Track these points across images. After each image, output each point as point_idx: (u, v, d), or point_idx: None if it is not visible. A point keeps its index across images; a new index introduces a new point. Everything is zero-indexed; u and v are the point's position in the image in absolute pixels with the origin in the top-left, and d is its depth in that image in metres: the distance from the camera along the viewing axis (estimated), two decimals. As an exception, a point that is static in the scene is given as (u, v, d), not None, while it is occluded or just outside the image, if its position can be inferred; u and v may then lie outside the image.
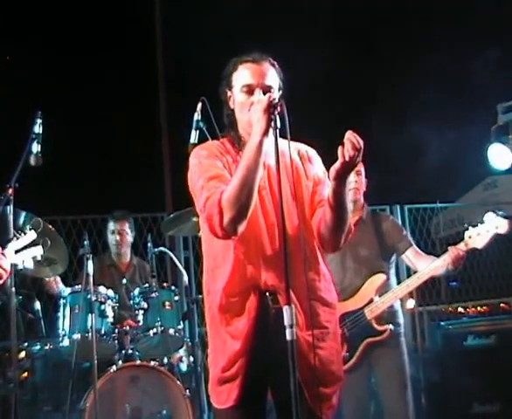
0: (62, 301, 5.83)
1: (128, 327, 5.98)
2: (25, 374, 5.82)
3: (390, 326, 5.07)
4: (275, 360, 3.16)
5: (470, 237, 4.92)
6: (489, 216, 4.89)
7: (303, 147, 3.57)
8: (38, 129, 5.01)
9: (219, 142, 3.53)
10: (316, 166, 3.55)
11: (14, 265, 4.48)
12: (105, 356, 5.74)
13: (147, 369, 5.70)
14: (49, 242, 4.92)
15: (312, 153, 3.58)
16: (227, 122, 3.52)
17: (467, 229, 4.95)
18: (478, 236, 4.90)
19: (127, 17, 14.89)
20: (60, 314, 5.81)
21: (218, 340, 3.36)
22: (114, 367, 5.60)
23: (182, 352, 6.25)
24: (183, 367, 6.27)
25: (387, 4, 13.17)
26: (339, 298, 4.99)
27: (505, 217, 4.88)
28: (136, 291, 6.02)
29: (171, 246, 7.62)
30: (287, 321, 2.91)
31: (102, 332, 5.72)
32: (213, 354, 3.41)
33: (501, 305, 8.74)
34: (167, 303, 5.93)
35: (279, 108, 3.06)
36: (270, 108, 3.06)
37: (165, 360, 6.06)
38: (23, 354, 5.82)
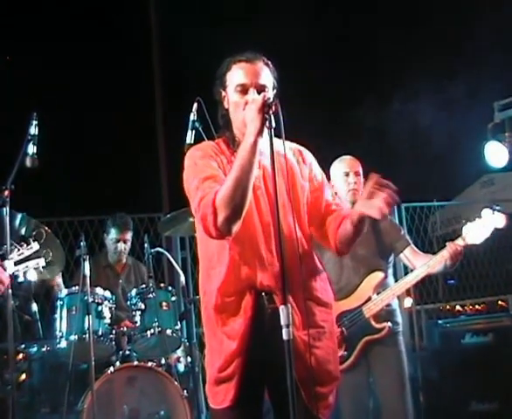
0: (59, 302, 5.81)
1: (125, 328, 5.99)
2: (23, 376, 5.80)
3: (389, 324, 5.06)
4: (272, 360, 3.15)
5: (468, 233, 4.92)
6: (486, 212, 4.89)
7: (297, 147, 3.57)
8: (33, 130, 5.00)
9: (214, 143, 3.52)
10: (313, 168, 3.55)
11: (15, 276, 4.47)
12: (102, 357, 5.74)
13: (144, 370, 5.70)
14: (51, 253, 4.93)
15: (306, 153, 3.59)
16: (222, 122, 3.52)
17: (465, 224, 4.95)
18: (475, 232, 4.89)
19: (122, 17, 14.87)
20: (57, 316, 5.79)
21: (215, 340, 3.36)
22: (112, 368, 5.60)
23: (179, 352, 6.25)
24: (181, 367, 6.27)
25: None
26: (337, 296, 5.03)
27: (502, 212, 4.88)
28: (133, 292, 6.02)
29: (168, 247, 7.62)
30: (283, 321, 2.91)
31: (99, 333, 5.71)
32: (210, 355, 3.41)
33: (499, 302, 8.74)
34: (164, 303, 5.93)
35: (273, 108, 3.06)
36: (264, 108, 3.06)
37: (163, 361, 6.04)
38: (20, 356, 5.80)
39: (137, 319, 5.88)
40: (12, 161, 4.97)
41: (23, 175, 4.95)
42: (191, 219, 5.46)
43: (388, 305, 5.11)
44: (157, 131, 13.00)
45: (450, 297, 10.28)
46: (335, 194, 5.00)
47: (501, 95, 8.51)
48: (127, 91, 14.53)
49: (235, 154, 3.27)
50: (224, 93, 3.45)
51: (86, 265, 5.52)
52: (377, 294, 5.09)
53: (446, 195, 11.74)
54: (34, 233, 4.95)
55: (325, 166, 3.63)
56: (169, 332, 5.85)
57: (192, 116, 4.87)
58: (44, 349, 5.85)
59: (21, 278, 4.51)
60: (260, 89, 3.32)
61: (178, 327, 5.98)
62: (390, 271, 5.36)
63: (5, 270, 4.46)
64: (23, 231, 5.47)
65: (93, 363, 5.30)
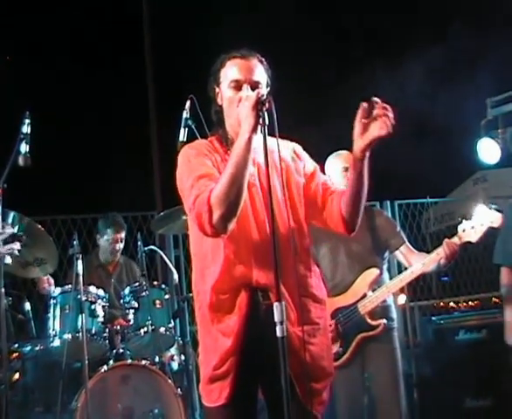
0: (52, 301, 5.80)
1: (118, 327, 5.99)
2: (16, 376, 5.79)
3: (384, 321, 5.06)
4: (267, 357, 3.15)
5: (464, 231, 4.89)
6: (482, 209, 4.86)
7: (291, 144, 3.56)
8: (26, 129, 5.00)
9: (207, 141, 3.51)
10: (306, 162, 3.55)
11: None
12: (96, 356, 5.73)
13: (138, 368, 5.69)
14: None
15: (300, 149, 3.58)
16: (215, 119, 3.51)
17: (461, 222, 4.93)
18: (472, 230, 4.87)
19: (114, 14, 14.86)
20: (51, 314, 5.78)
21: (209, 338, 3.35)
22: (105, 367, 5.59)
23: (173, 350, 6.25)
24: (175, 365, 6.27)
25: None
26: (332, 293, 5.04)
27: (498, 211, 4.87)
28: (127, 291, 6.01)
29: (161, 245, 7.62)
30: (277, 318, 2.90)
31: (93, 331, 5.70)
32: (204, 353, 3.40)
33: (493, 299, 8.73)
34: (157, 302, 5.93)
35: (267, 104, 3.04)
36: (258, 105, 3.05)
37: (156, 359, 6.05)
38: (13, 355, 5.79)
39: (131, 317, 5.88)
40: (5, 160, 4.96)
41: (16, 173, 4.94)
42: (184, 217, 5.45)
43: (383, 301, 5.10)
44: (150, 129, 12.99)
45: (444, 293, 10.28)
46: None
47: (494, 92, 8.52)
48: (120, 89, 14.52)
49: (229, 152, 3.26)
50: (217, 90, 3.45)
51: (80, 264, 5.51)
52: (373, 291, 5.08)
53: (439, 191, 11.76)
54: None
55: (315, 154, 3.61)
56: (162, 330, 5.85)
57: (185, 114, 4.86)
58: (37, 348, 5.84)
59: None
60: (254, 86, 3.32)
61: (172, 325, 5.98)
62: (386, 267, 5.36)
63: None
64: (15, 230, 5.46)
65: (87, 362, 5.29)
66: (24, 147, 4.94)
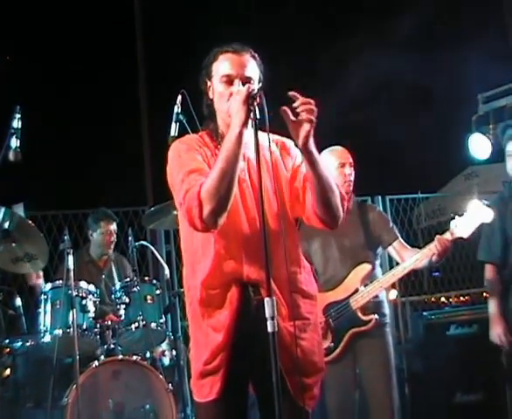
0: (43, 297, 5.78)
1: (109, 322, 5.97)
2: (7, 372, 5.78)
3: (376, 316, 5.06)
4: (258, 352, 3.15)
5: (456, 226, 4.89)
6: (474, 205, 4.87)
7: (281, 139, 3.55)
8: (16, 124, 4.97)
9: (198, 136, 3.50)
10: (295, 156, 3.53)
11: None
12: (87, 351, 5.72)
13: (129, 364, 5.68)
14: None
15: (290, 145, 3.57)
16: (206, 112, 3.50)
17: (453, 218, 4.92)
18: (464, 226, 4.86)
19: (106, 10, 14.82)
20: (41, 310, 5.76)
21: (200, 333, 3.34)
22: (96, 363, 5.59)
23: (164, 346, 6.25)
24: (166, 361, 6.27)
25: None
26: (324, 288, 5.04)
27: (489, 206, 4.88)
28: (118, 286, 6.01)
29: (153, 240, 7.61)
30: (268, 313, 2.90)
31: (84, 327, 5.69)
32: (195, 348, 3.40)
33: (483, 294, 8.76)
34: (148, 297, 5.92)
35: (258, 99, 3.04)
36: (249, 99, 3.04)
37: (147, 355, 6.04)
38: (4, 351, 5.78)
39: (122, 312, 5.86)
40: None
41: (6, 168, 4.92)
42: (175, 212, 5.44)
43: (375, 296, 5.10)
44: (141, 124, 12.99)
45: (435, 289, 10.32)
46: None
47: (485, 87, 8.54)
48: (111, 84, 14.48)
49: (219, 147, 3.26)
50: (209, 83, 3.43)
51: (70, 259, 5.50)
52: (365, 286, 5.08)
53: (430, 187, 11.78)
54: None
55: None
56: (153, 325, 5.84)
57: (176, 109, 4.85)
58: (28, 344, 5.83)
59: None
60: (246, 81, 3.30)
61: (163, 321, 5.98)
62: (378, 262, 5.36)
63: None
64: (6, 225, 5.45)
65: (78, 357, 5.29)
66: (14, 142, 4.92)
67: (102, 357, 5.74)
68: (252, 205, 3.30)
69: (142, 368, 5.68)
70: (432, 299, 10.18)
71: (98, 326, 5.83)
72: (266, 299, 2.92)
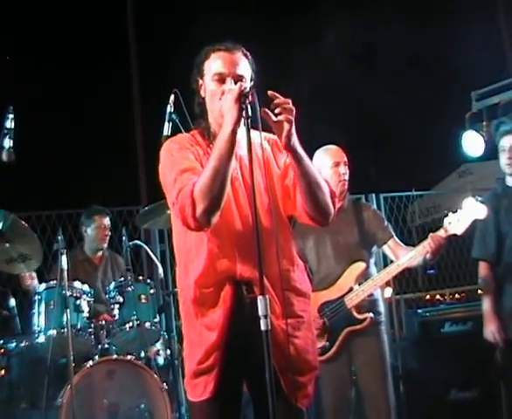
0: (37, 297, 5.78)
1: (103, 322, 5.96)
2: (1, 372, 5.78)
3: (371, 315, 5.06)
4: (251, 350, 3.15)
5: (450, 223, 4.89)
6: (468, 202, 4.87)
7: (273, 137, 3.54)
8: (9, 124, 4.96)
9: (190, 135, 3.50)
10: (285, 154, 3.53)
11: None
12: (81, 351, 5.71)
13: (123, 363, 5.68)
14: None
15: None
16: (198, 111, 3.49)
17: (447, 215, 4.93)
18: (458, 223, 4.86)
19: (98, 9, 14.81)
20: (35, 310, 5.75)
21: (194, 332, 3.34)
22: (91, 363, 5.58)
23: (158, 345, 6.25)
24: (160, 360, 6.27)
25: None
26: (318, 286, 5.04)
27: (483, 203, 4.88)
28: (112, 285, 6.00)
29: (147, 239, 7.61)
30: (261, 311, 2.90)
31: (78, 327, 5.69)
32: (189, 348, 3.39)
33: (478, 291, 8.77)
34: (143, 296, 5.92)
35: (250, 97, 3.04)
36: (241, 97, 3.04)
37: (142, 354, 6.04)
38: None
39: (116, 312, 5.86)
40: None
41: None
42: (169, 211, 5.43)
43: (370, 295, 5.10)
44: (135, 124, 12.98)
45: (429, 286, 10.34)
46: None
47: (479, 85, 8.55)
48: (104, 84, 14.48)
49: (211, 146, 3.26)
50: (201, 82, 3.43)
51: (64, 259, 5.49)
52: (359, 285, 5.08)
53: (424, 184, 11.79)
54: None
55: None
56: (147, 325, 5.84)
57: (169, 108, 4.85)
58: (22, 344, 5.82)
59: None
60: (238, 79, 3.29)
61: (157, 320, 5.98)
62: (373, 260, 5.36)
63: None
64: (0, 225, 5.45)
65: (72, 357, 5.29)
66: (7, 143, 4.91)
67: (96, 357, 5.72)
68: (244, 203, 3.29)
69: (137, 368, 5.68)
70: (427, 297, 10.19)
71: (92, 325, 5.83)
72: (259, 298, 2.92)
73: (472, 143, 8.14)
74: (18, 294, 6.85)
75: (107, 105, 14.57)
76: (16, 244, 5.62)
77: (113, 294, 5.93)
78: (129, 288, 5.89)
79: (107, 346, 5.90)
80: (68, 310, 5.42)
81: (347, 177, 5.19)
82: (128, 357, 5.74)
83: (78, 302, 5.73)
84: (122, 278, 6.04)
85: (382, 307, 5.30)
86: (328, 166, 5.13)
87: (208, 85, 3.38)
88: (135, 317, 5.78)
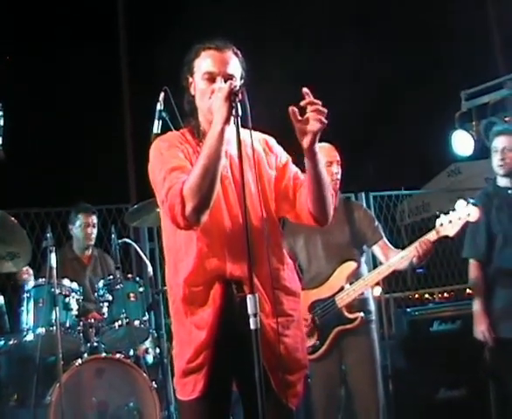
0: (26, 295, 5.76)
1: (92, 320, 5.94)
2: (-10, 371, 5.76)
3: (361, 314, 5.07)
4: (241, 349, 3.15)
5: (441, 225, 4.89)
6: (460, 204, 4.88)
7: (263, 137, 3.55)
8: (-1, 122, 4.94)
9: (179, 133, 3.50)
10: (279, 154, 3.54)
11: None
12: (70, 350, 5.68)
13: (112, 362, 5.67)
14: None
15: (272, 142, 3.57)
16: (187, 109, 3.49)
17: (439, 216, 4.94)
18: (449, 224, 4.87)
19: (88, 5, 14.78)
20: (24, 308, 5.74)
21: (183, 331, 3.33)
22: (80, 361, 5.56)
23: (147, 344, 6.23)
24: (150, 359, 6.26)
25: None
26: (309, 285, 5.04)
27: (475, 205, 4.89)
28: (101, 284, 5.98)
29: (136, 238, 7.58)
30: (250, 310, 2.90)
31: (67, 325, 5.66)
32: (179, 346, 3.39)
33: (467, 290, 8.81)
34: (131, 294, 5.90)
35: (240, 96, 3.04)
36: (231, 96, 3.04)
37: (131, 353, 6.02)
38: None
39: (105, 310, 5.84)
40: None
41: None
42: (158, 210, 5.42)
43: (360, 294, 5.11)
44: (124, 121, 12.94)
45: (418, 285, 10.36)
46: None
47: (468, 84, 8.58)
48: (93, 80, 14.44)
49: (201, 144, 3.26)
50: (191, 80, 3.42)
51: (53, 257, 5.47)
52: (350, 284, 5.08)
53: (413, 183, 11.82)
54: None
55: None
56: (136, 323, 5.82)
57: (159, 106, 4.84)
58: (11, 342, 5.79)
59: None
60: (228, 78, 3.29)
61: (146, 318, 5.96)
62: (364, 259, 5.37)
63: None
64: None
65: (61, 356, 5.26)
66: (-3, 140, 4.89)
67: (85, 355, 5.70)
68: (234, 202, 3.30)
69: (126, 366, 5.67)
70: (416, 296, 10.23)
71: (81, 324, 5.80)
72: (249, 296, 2.92)
73: (461, 142, 8.18)
74: (7, 292, 6.81)
75: (96, 102, 14.54)
76: (4, 242, 5.59)
77: (102, 292, 5.91)
78: (118, 286, 5.87)
79: (95, 344, 5.88)
80: (57, 308, 5.40)
81: (339, 177, 5.20)
82: (117, 355, 5.73)
83: (67, 300, 5.71)
84: (111, 277, 6.02)
85: (372, 306, 5.31)
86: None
87: (198, 84, 3.37)
88: (124, 315, 5.76)
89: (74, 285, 5.86)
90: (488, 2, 13.57)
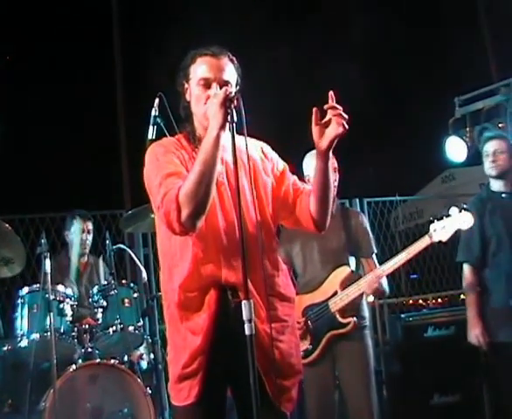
0: (20, 301, 5.74)
1: (87, 326, 5.92)
2: (-16, 377, 5.74)
3: (354, 319, 5.07)
4: (236, 355, 3.14)
5: (435, 231, 4.93)
6: (455, 211, 4.91)
7: (259, 143, 3.57)
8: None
9: (175, 139, 3.50)
10: (275, 161, 3.55)
11: None
12: (64, 355, 5.66)
13: (107, 368, 5.64)
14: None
15: (268, 148, 3.59)
16: (183, 114, 3.50)
17: (433, 221, 4.96)
18: (443, 230, 4.90)
19: (83, 12, 14.78)
20: (18, 314, 5.72)
21: (178, 337, 3.33)
22: (74, 366, 5.54)
23: (142, 349, 6.22)
24: (144, 364, 6.24)
25: None
26: (303, 290, 5.05)
27: (469, 211, 4.92)
28: (95, 289, 5.97)
29: (130, 243, 7.57)
30: (245, 316, 2.90)
31: (61, 331, 5.64)
32: (173, 352, 3.39)
33: (461, 296, 8.82)
34: (126, 300, 5.89)
35: (235, 102, 3.05)
36: (226, 102, 3.05)
37: (125, 358, 6.01)
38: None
39: (99, 316, 5.83)
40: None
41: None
42: (153, 215, 5.42)
43: (354, 299, 5.12)
44: (119, 127, 12.94)
45: (412, 291, 10.36)
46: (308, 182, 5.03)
47: (462, 90, 8.60)
48: (87, 85, 14.44)
49: (196, 150, 3.26)
50: (186, 86, 3.43)
51: (47, 263, 5.46)
52: (344, 289, 5.09)
53: (408, 189, 11.83)
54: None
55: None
56: (131, 328, 5.81)
57: (154, 111, 4.84)
58: (5, 348, 5.77)
59: None
60: (223, 84, 3.31)
61: (141, 324, 5.94)
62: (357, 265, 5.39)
63: None
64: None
65: (55, 361, 5.25)
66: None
67: (80, 361, 5.69)
68: (230, 208, 3.30)
69: (120, 372, 5.65)
70: (410, 301, 10.22)
71: (75, 329, 5.78)
72: (244, 302, 2.93)
73: (455, 149, 8.19)
74: (1, 298, 6.80)
75: (90, 108, 14.54)
76: (-2, 248, 5.59)
77: (96, 298, 5.90)
78: (113, 292, 5.85)
79: (90, 350, 5.86)
80: (51, 314, 5.39)
81: (336, 184, 5.21)
82: (112, 361, 5.71)
83: (61, 306, 5.69)
84: (106, 282, 6.01)
85: (366, 312, 5.32)
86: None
87: (193, 90, 3.38)
88: (119, 321, 5.75)
89: (69, 291, 5.85)
90: (482, 8, 13.63)
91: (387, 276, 5.20)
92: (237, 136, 3.07)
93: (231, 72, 3.40)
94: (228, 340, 3.22)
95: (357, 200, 8.70)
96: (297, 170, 3.64)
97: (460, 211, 4.90)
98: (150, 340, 6.11)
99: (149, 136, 4.76)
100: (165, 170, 3.23)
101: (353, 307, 5.13)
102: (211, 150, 3.06)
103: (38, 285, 5.66)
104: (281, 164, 3.58)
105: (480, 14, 13.89)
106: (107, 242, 6.07)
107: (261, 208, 3.38)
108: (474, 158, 7.93)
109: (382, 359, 7.22)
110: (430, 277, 10.17)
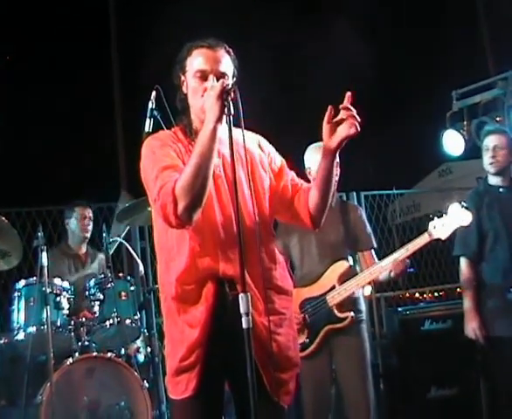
0: (16, 294, 5.75)
1: (84, 319, 5.92)
2: (-19, 370, 5.74)
3: (352, 314, 5.07)
4: (234, 348, 3.14)
5: (435, 228, 4.92)
6: (454, 208, 4.90)
7: (256, 136, 3.56)
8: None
9: (172, 132, 3.49)
10: (272, 155, 3.55)
11: None
12: (61, 349, 5.67)
13: (103, 361, 5.65)
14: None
15: (265, 142, 3.58)
16: (180, 107, 3.49)
17: (431, 217, 4.96)
18: (442, 227, 4.90)
19: (81, 7, 14.76)
20: (15, 307, 5.72)
21: (175, 330, 3.32)
22: (71, 360, 5.54)
23: (139, 342, 6.23)
24: (141, 357, 6.25)
25: None
26: (300, 283, 5.04)
27: (468, 209, 4.91)
28: (92, 282, 5.97)
29: (127, 236, 7.57)
30: (242, 309, 2.90)
31: (58, 324, 5.65)
32: (171, 345, 3.38)
33: (458, 290, 8.82)
34: (123, 293, 5.89)
35: (232, 94, 3.04)
36: (223, 94, 3.04)
37: (122, 352, 6.00)
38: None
39: (96, 309, 5.83)
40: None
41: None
42: (150, 208, 5.41)
43: (351, 293, 5.11)
44: (116, 120, 12.93)
45: (409, 285, 10.36)
46: (309, 174, 5.03)
47: (459, 84, 8.59)
48: (84, 80, 14.42)
49: (193, 143, 3.25)
50: (183, 78, 3.42)
51: (44, 256, 5.46)
52: (342, 283, 5.09)
53: (405, 183, 11.83)
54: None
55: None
56: (128, 322, 5.82)
57: (150, 104, 4.83)
58: (1, 341, 5.79)
59: None
60: (220, 77, 3.28)
61: (137, 317, 5.95)
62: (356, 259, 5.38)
63: None
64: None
65: (52, 355, 5.25)
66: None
67: (77, 354, 5.69)
68: (227, 201, 3.29)
69: (117, 365, 5.65)
70: (407, 295, 10.23)
71: (72, 322, 5.79)
72: (241, 295, 2.92)
73: (452, 142, 8.19)
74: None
75: (87, 100, 14.52)
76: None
77: (93, 291, 5.90)
78: (109, 285, 5.85)
79: (87, 343, 5.86)
80: (48, 307, 5.39)
81: (337, 178, 5.20)
82: (109, 354, 5.71)
83: (58, 299, 5.69)
84: (103, 275, 6.01)
85: (363, 306, 5.32)
86: (319, 163, 5.13)
87: (190, 82, 3.37)
88: (116, 314, 5.75)
89: (65, 284, 5.85)
90: (480, 3, 13.62)
91: None
92: (234, 129, 3.05)
93: (227, 64, 3.38)
94: (225, 332, 3.21)
95: (354, 193, 8.69)
96: (294, 163, 3.63)
97: (460, 209, 4.89)
98: (147, 334, 6.10)
99: (146, 129, 4.75)
100: (161, 163, 3.22)
101: (350, 302, 5.13)
102: (208, 143, 3.04)
103: (34, 278, 5.66)
104: (279, 159, 3.57)
105: (479, 9, 13.89)
106: (104, 234, 6.06)
107: (259, 201, 3.37)
108: (472, 152, 7.93)
109: (379, 352, 7.22)
110: (427, 270, 10.18)
